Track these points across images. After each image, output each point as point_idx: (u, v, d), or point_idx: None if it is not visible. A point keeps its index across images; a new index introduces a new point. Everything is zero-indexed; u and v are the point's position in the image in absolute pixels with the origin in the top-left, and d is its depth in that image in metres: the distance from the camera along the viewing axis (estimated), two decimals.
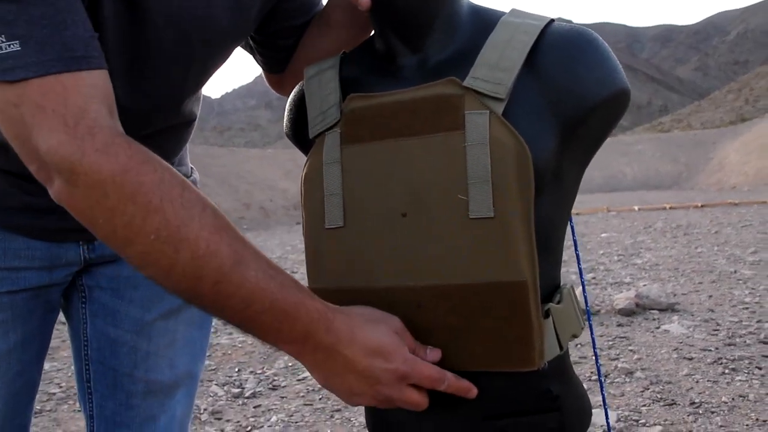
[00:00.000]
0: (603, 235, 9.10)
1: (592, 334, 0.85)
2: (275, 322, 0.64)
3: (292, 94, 0.88)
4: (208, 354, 3.65)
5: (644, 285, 4.75)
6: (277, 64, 0.98)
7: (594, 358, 3.09)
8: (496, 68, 0.71)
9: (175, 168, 1.02)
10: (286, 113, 0.88)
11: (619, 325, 3.74)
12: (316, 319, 0.65)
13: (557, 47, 0.72)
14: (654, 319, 3.82)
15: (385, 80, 0.79)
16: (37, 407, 2.87)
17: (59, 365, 3.44)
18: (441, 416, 0.76)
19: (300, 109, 0.86)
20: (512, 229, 0.68)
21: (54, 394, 3.01)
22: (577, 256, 0.86)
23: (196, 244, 0.61)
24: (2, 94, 0.63)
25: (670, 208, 14.01)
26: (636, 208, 14.60)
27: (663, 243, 7.74)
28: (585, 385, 2.70)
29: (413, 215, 0.71)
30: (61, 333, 3.38)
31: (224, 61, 0.91)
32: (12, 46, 0.61)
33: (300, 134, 0.86)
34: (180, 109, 0.91)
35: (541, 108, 0.72)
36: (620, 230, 9.64)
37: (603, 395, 0.86)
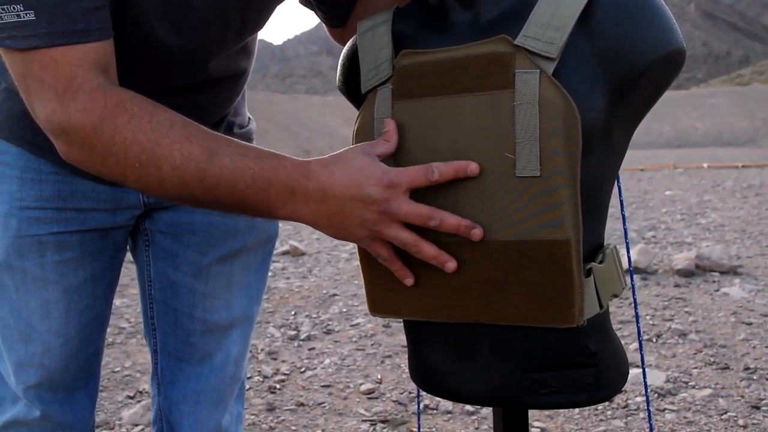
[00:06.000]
0: (667, 192, 8.83)
1: (634, 294, 0.85)
2: (262, 192, 0.70)
3: (345, 48, 0.89)
4: (266, 297, 3.80)
5: (706, 246, 4.63)
6: (338, 19, 0.99)
7: (646, 318, 3.06)
8: (548, 27, 0.71)
9: (230, 118, 1.06)
10: (339, 67, 0.90)
11: (677, 285, 3.67)
12: (294, 173, 0.70)
13: (611, 6, 0.71)
14: (714, 282, 3.73)
15: (437, 36, 0.79)
16: (109, 339, 3.06)
17: (129, 302, 3.64)
18: (481, 368, 0.79)
19: (353, 63, 0.87)
20: (558, 189, 0.69)
21: (124, 328, 3.20)
22: (623, 216, 0.85)
23: (172, 156, 0.70)
24: (15, 66, 0.71)
25: (743, 166, 13.41)
26: (705, 165, 14.05)
27: (731, 203, 7.45)
28: (636, 345, 2.69)
29: None
30: (130, 272, 3.57)
31: (266, 17, 0.93)
32: (28, 14, 0.67)
33: (352, 88, 0.88)
34: (223, 63, 0.93)
35: (593, 68, 0.71)
36: (686, 188, 9.32)
37: (642, 358, 0.87)
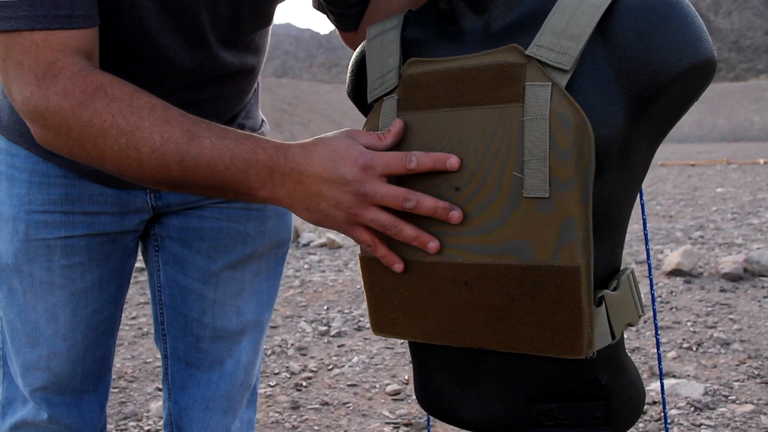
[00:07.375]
0: (718, 189, 8.52)
1: (653, 301, 0.80)
2: (241, 172, 0.70)
3: (354, 54, 0.86)
4: (300, 290, 3.81)
5: (757, 248, 4.44)
6: (349, 22, 0.95)
7: (687, 324, 2.94)
8: (562, 35, 0.65)
9: (241, 120, 1.03)
10: (348, 74, 0.87)
11: (722, 290, 3.53)
12: (273, 153, 0.70)
13: (632, 13, 0.65)
14: (762, 287, 3.56)
15: (448, 43, 0.75)
16: (144, 329, 3.11)
17: None
18: (484, 394, 0.75)
19: (361, 70, 0.84)
20: (568, 212, 0.64)
21: None
22: (646, 236, 0.80)
23: (151, 138, 0.69)
24: None
25: None
26: (761, 161, 13.52)
27: None
28: (674, 353, 2.58)
29: (466, 190, 0.69)
30: None
31: (265, 12, 0.91)
32: None
33: (360, 96, 0.85)
34: (227, 58, 0.91)
35: (610, 80, 0.66)
36: (739, 185, 8.98)
37: (660, 371, 0.81)
